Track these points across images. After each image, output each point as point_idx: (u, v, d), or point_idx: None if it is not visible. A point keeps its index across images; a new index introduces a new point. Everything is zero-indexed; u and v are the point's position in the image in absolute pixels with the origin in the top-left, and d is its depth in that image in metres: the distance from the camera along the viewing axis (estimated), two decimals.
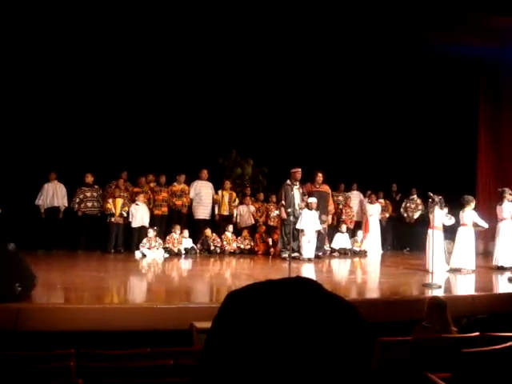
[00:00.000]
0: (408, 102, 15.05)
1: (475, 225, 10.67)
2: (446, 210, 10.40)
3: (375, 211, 14.60)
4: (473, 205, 10.65)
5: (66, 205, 12.86)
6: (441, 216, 10.27)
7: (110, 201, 12.68)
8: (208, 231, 13.05)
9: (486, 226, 10.76)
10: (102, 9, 11.32)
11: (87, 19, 11.74)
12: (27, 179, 12.38)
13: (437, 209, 10.18)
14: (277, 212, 13.05)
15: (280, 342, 0.74)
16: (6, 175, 12.14)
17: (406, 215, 14.96)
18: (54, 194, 12.70)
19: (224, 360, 0.77)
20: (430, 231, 10.27)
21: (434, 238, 9.99)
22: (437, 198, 10.16)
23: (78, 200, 12.83)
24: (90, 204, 12.90)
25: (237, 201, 13.90)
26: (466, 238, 10.52)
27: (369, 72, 14.55)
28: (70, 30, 12.08)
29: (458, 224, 10.70)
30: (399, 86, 14.88)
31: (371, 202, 14.65)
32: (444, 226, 10.44)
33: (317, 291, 0.82)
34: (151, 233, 12.22)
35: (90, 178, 12.93)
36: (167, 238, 12.49)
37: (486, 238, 12.51)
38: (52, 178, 12.74)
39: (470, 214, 10.59)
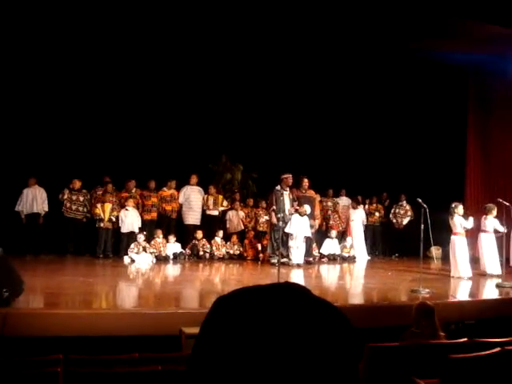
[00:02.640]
0: (397, 107, 15.13)
1: (495, 231, 11.03)
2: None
3: (358, 216, 14.60)
4: (495, 212, 11.00)
5: (47, 209, 12.66)
6: (461, 221, 10.53)
7: (99, 206, 12.59)
8: (199, 234, 13.00)
9: (505, 231, 10.98)
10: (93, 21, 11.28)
11: (75, 31, 11.70)
12: (9, 184, 12.24)
13: (456, 215, 10.51)
14: (266, 217, 13.08)
15: (268, 346, 0.75)
16: None
17: (394, 221, 14.99)
18: (33, 200, 12.49)
19: (212, 365, 0.77)
20: (453, 238, 10.59)
21: (458, 245, 10.43)
22: (453, 204, 10.63)
23: (65, 196, 12.70)
24: (74, 207, 12.77)
25: (225, 202, 13.89)
26: (490, 243, 10.92)
27: (359, 79, 14.61)
28: (60, 39, 12.02)
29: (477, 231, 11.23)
30: (389, 92, 14.96)
31: (353, 207, 14.66)
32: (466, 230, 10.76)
33: (305, 296, 0.82)
34: (141, 238, 12.17)
35: (77, 184, 12.78)
36: (151, 242, 12.43)
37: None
38: (31, 183, 12.51)
39: (492, 222, 10.97)
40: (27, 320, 5.82)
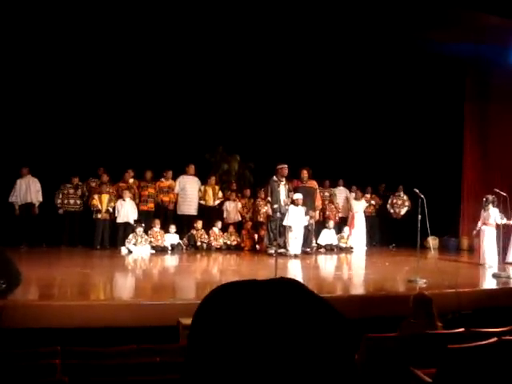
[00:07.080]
0: (394, 98, 15.08)
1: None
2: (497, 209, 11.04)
3: (361, 208, 14.64)
4: None
5: (41, 200, 12.54)
6: (495, 214, 10.91)
7: (96, 197, 12.54)
8: (199, 224, 12.98)
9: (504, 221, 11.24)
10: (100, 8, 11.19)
11: (85, 19, 11.62)
12: (2, 176, 12.15)
13: (491, 207, 10.95)
14: (266, 207, 13.04)
15: (262, 340, 0.74)
16: None
17: (392, 211, 15.00)
18: (27, 190, 12.36)
19: (207, 358, 0.77)
20: (483, 228, 11.06)
21: (487, 235, 10.92)
22: (491, 198, 11.02)
23: (60, 196, 12.76)
24: (72, 201, 12.80)
25: (220, 193, 13.84)
26: None
27: (356, 71, 14.55)
28: (66, 31, 11.94)
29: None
30: (385, 83, 14.90)
31: (356, 199, 14.69)
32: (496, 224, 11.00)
33: (299, 291, 0.81)
34: (140, 229, 12.10)
35: (76, 180, 12.90)
36: (149, 232, 12.38)
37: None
38: (24, 173, 12.37)
39: None
40: (24, 312, 5.81)
